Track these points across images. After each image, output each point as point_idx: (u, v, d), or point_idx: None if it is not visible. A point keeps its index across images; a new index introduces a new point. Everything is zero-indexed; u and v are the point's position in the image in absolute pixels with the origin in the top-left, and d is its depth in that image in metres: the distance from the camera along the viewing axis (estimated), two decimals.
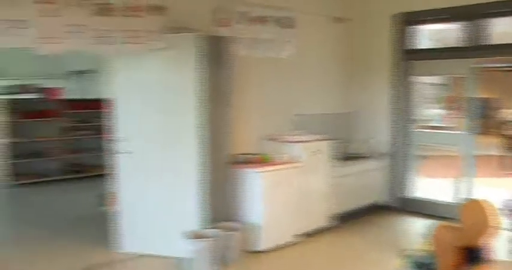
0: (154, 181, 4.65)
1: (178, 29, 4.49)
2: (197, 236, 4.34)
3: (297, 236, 5.17)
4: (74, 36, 3.93)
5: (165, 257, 4.56)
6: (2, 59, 10.53)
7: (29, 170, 8.72)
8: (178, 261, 4.39)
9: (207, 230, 4.48)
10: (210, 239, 4.34)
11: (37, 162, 8.86)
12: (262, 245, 4.82)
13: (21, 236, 5.66)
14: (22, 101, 9.34)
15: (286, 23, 5.30)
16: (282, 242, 4.99)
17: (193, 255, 4.28)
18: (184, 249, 4.31)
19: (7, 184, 8.38)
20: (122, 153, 4.67)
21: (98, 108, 8.97)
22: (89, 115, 9.24)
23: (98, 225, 5.41)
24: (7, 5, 3.64)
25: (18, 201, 7.82)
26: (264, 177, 4.77)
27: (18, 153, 8.59)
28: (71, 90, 10.78)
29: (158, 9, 4.41)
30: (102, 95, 9.14)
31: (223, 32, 4.81)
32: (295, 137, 5.33)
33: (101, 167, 9.00)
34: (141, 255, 4.68)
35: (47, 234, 5.60)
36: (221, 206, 4.73)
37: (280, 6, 5.25)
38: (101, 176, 8.53)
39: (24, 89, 10.66)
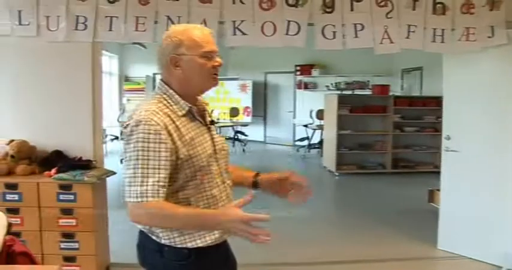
0: (482, 183, 4.48)
1: None
2: None
3: None
4: (410, 36, 4.15)
5: (484, 263, 4.42)
6: (335, 58, 11.69)
7: (353, 161, 9.42)
8: (497, 269, 4.21)
9: None
10: None
11: (363, 154, 9.51)
12: None
13: (347, 220, 6.24)
14: (352, 97, 10.16)
15: None
16: None
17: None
18: (506, 258, 4.10)
19: (333, 173, 9.27)
20: (449, 151, 4.69)
21: (425, 106, 9.20)
22: (416, 112, 9.41)
23: (423, 220, 5.60)
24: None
25: (343, 188, 8.62)
26: None
27: (346, 144, 9.37)
28: (399, 87, 11.25)
29: (493, 4, 4.28)
30: (430, 92, 9.36)
31: None
32: None
33: (427, 163, 9.26)
34: (460, 256, 4.63)
35: (371, 222, 6.03)
36: None
37: None
38: (429, 172, 8.77)
39: (354, 85, 11.64)
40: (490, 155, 4.45)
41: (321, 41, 4.09)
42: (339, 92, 11.01)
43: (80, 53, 4.01)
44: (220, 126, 12.99)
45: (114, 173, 3.99)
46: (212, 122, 1.99)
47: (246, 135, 13.24)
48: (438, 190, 5.96)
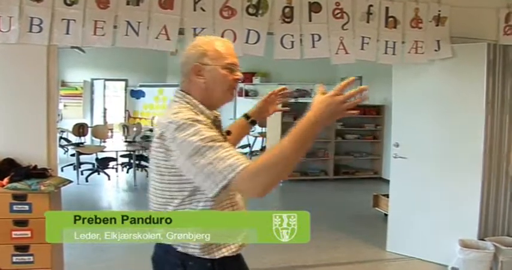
0: (428, 188, 4.73)
1: (460, 38, 4.55)
2: (467, 246, 4.32)
3: None
4: (364, 47, 4.32)
5: (431, 263, 4.66)
6: (277, 66, 11.87)
7: (296, 167, 9.51)
8: (444, 268, 4.44)
9: (479, 241, 4.41)
10: (482, 250, 4.26)
11: (306, 161, 9.63)
12: None
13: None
14: (295, 104, 10.33)
15: None
16: None
17: (460, 265, 4.28)
18: (451, 257, 4.34)
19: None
20: (397, 158, 4.90)
21: (365, 114, 9.53)
22: (357, 120, 9.72)
23: (370, 224, 5.79)
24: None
25: (288, 195, 8.73)
26: None
27: None
28: None
29: (438, 20, 4.54)
30: (370, 101, 9.71)
31: (507, 40, 4.68)
32: None
33: (367, 170, 9.59)
34: (409, 258, 4.84)
35: (320, 227, 6.12)
36: (496, 219, 4.58)
37: None
38: (369, 178, 9.08)
39: (296, 93, 11.86)
40: (435, 161, 4.70)
41: (279, 51, 4.17)
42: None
43: (34, 56, 3.83)
44: None
45: (71, 182, 3.86)
46: (228, 133, 2.00)
47: None
48: (382, 195, 6.23)
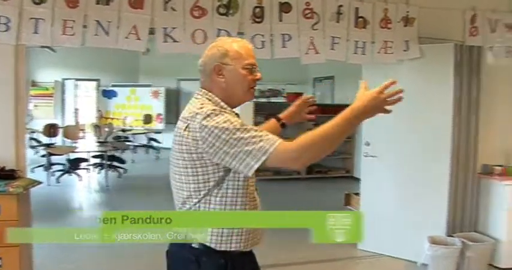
0: (398, 185, 4.83)
1: (428, 39, 4.64)
2: (435, 242, 4.41)
3: None
4: (334, 47, 4.37)
5: (401, 260, 4.75)
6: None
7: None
8: (413, 265, 4.52)
9: (447, 237, 4.51)
10: (450, 246, 4.36)
11: None
12: (502, 262, 4.62)
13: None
14: (267, 104, 10.39)
15: None
16: None
17: (429, 261, 4.37)
18: (420, 253, 4.42)
19: None
20: (368, 156, 4.97)
21: (337, 113, 9.60)
22: (329, 119, 9.76)
23: None
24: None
25: (261, 194, 8.74)
26: (511, 191, 4.58)
27: None
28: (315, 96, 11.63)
29: (407, 20, 4.63)
30: (342, 101, 9.81)
31: (473, 41, 4.80)
32: None
33: (339, 169, 9.68)
34: (379, 255, 4.93)
35: None
36: (463, 216, 4.69)
37: None
38: (341, 177, 9.16)
39: (268, 93, 11.89)
40: (404, 159, 4.79)
41: None
42: (254, 100, 11.20)
43: (1, 55, 3.76)
44: (133, 134, 12.73)
45: (40, 183, 3.80)
46: None
47: (159, 142, 13.06)
48: (354, 194, 6.30)
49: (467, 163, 4.70)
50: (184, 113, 1.86)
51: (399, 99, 1.74)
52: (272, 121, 2.38)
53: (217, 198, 1.83)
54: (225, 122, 1.73)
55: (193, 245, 1.85)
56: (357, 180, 5.38)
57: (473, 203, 4.76)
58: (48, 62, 12.37)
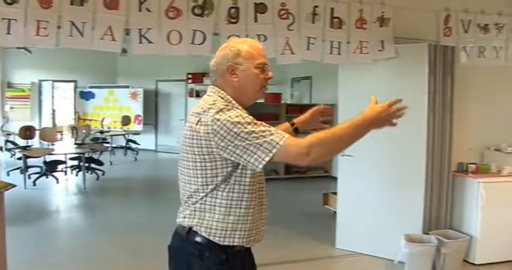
0: (374, 185, 4.88)
1: (402, 39, 4.70)
2: (412, 240, 4.46)
3: None
4: (310, 48, 4.39)
5: (379, 258, 4.79)
6: None
7: None
8: (391, 263, 4.58)
9: (423, 235, 4.56)
10: (426, 244, 4.42)
11: None
12: (477, 258, 4.70)
13: None
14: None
15: None
16: (499, 258, 4.78)
17: (405, 259, 4.42)
18: (397, 252, 4.47)
19: None
20: (345, 156, 5.01)
21: None
22: None
23: (320, 222, 5.89)
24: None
25: None
26: (485, 188, 4.65)
27: None
28: (289, 96, 11.67)
29: (382, 21, 4.68)
30: (319, 100, 9.85)
31: (447, 41, 4.88)
32: None
33: (318, 169, 9.72)
34: (357, 254, 4.96)
35: (272, 225, 6.18)
36: (439, 214, 4.75)
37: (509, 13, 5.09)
38: (319, 177, 9.19)
39: None
40: (380, 158, 4.84)
41: None
42: None
43: None
44: (111, 135, 12.62)
45: (15, 186, 3.75)
46: None
47: (137, 144, 12.98)
48: (332, 193, 6.35)
49: (443, 161, 4.76)
50: (197, 109, 1.91)
51: (403, 114, 1.91)
52: (286, 124, 2.43)
53: (224, 193, 1.88)
54: (237, 116, 1.79)
55: (196, 240, 1.91)
56: (336, 179, 5.41)
57: (449, 200, 4.82)
58: (24, 63, 12.20)
